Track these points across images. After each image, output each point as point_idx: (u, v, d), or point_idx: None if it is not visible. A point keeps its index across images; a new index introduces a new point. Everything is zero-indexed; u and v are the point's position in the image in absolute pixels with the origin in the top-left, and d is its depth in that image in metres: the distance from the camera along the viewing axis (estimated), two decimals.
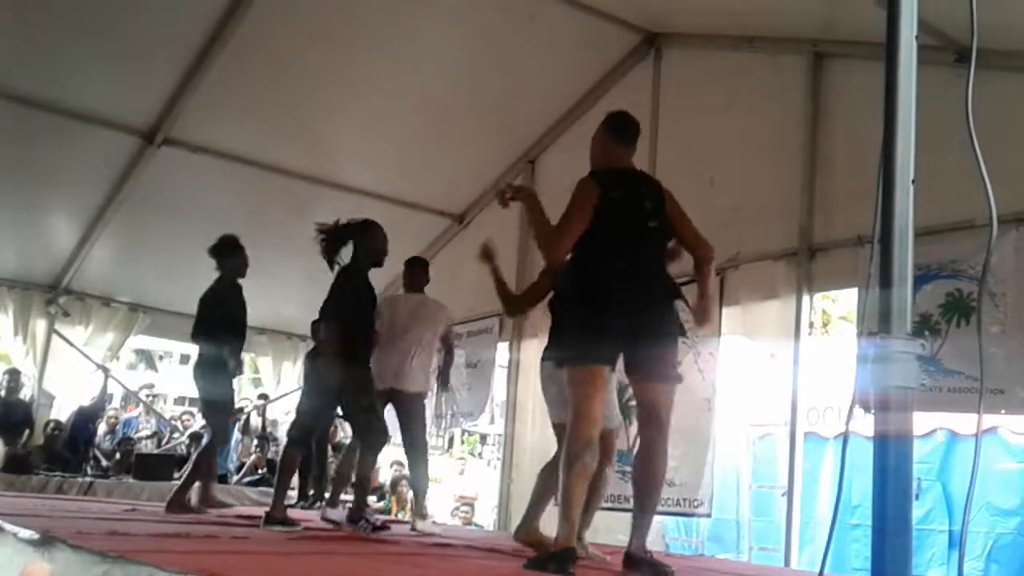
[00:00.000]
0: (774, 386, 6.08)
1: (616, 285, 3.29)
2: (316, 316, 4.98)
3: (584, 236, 3.35)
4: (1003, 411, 4.85)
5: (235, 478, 9.07)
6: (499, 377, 8.22)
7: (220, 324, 5.64)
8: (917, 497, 7.32)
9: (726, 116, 6.19)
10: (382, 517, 6.56)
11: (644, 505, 3.37)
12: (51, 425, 8.67)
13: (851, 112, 5.39)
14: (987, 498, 7.07)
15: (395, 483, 10.00)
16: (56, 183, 7.54)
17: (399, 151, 7.69)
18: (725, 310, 5.98)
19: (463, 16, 6.43)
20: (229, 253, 5.73)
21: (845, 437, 1.79)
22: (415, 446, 5.55)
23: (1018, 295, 4.51)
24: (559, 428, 3.92)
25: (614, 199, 3.39)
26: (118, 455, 8.97)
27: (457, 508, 12.46)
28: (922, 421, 6.86)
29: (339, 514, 5.18)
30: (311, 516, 5.68)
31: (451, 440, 18.47)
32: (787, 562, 5.39)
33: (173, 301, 9.06)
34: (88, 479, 7.85)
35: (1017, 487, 7.19)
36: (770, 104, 5.99)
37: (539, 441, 7.06)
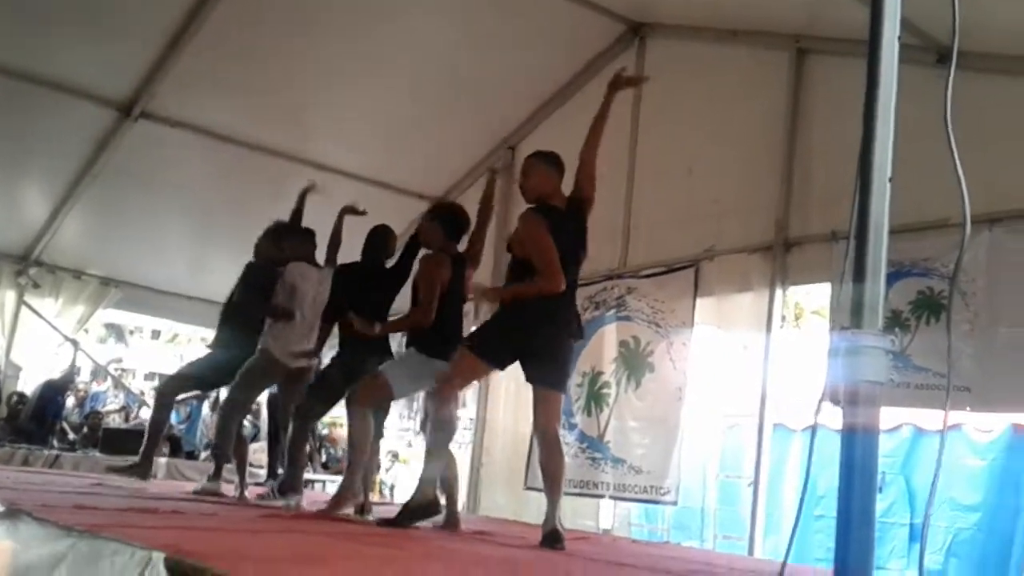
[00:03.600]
0: (745, 377, 6.12)
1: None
2: None
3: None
4: (968, 408, 4.93)
5: (203, 455, 9.02)
6: None
7: None
8: (881, 490, 7.41)
9: (707, 108, 6.21)
10: None
11: None
12: (15, 398, 8.57)
13: (831, 108, 5.42)
14: (949, 493, 7.17)
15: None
16: (29, 153, 7.41)
17: (380, 132, 7.64)
18: (699, 300, 6.03)
19: (447, 1, 6.39)
20: None
21: (813, 430, 1.80)
22: None
23: (988, 294, 4.58)
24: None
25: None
26: (85, 429, 8.89)
27: None
28: (888, 416, 6.94)
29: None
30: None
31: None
32: (751, 551, 5.45)
33: (145, 276, 8.95)
34: (54, 452, 7.77)
35: (979, 483, 7.30)
36: (752, 97, 6.01)
37: (511, 425, 7.10)
